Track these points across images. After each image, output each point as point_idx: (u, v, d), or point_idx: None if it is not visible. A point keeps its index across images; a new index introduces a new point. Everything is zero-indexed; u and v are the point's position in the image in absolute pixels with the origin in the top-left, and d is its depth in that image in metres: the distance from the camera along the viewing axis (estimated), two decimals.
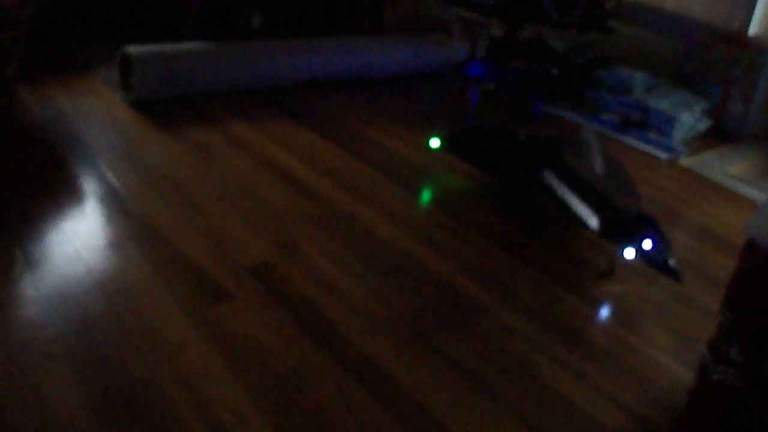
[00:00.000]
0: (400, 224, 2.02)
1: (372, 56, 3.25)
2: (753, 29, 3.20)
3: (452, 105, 3.08)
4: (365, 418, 1.33)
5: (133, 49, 2.62)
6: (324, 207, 2.06)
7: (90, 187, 2.02)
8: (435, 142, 2.40)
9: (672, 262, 1.82)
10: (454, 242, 1.96)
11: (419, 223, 2.03)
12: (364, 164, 2.38)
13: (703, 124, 3.09)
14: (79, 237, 1.77)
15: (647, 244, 1.82)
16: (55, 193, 1.97)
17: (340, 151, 2.46)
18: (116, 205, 1.94)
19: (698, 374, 1.26)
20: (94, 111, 2.54)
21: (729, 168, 2.78)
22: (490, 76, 3.09)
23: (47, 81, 2.73)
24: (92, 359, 1.39)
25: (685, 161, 2.80)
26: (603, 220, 1.87)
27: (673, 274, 1.81)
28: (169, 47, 2.73)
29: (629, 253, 1.84)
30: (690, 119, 2.99)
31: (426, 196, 2.17)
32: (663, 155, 2.80)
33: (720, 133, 3.13)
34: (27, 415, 1.24)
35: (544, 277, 1.85)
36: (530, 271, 1.87)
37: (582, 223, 1.93)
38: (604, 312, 1.74)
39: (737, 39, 3.15)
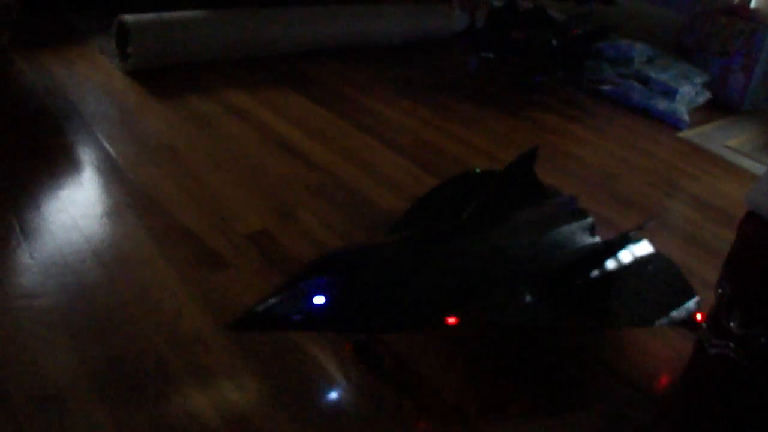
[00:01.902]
0: (399, 192, 2.01)
1: (371, 24, 3.22)
2: (755, 1, 3.18)
3: (451, 74, 3.05)
4: (365, 388, 1.33)
5: (129, 18, 2.59)
6: (322, 175, 2.05)
7: (87, 155, 2.01)
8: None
9: None
10: None
11: (417, 192, 2.02)
12: (362, 132, 2.36)
13: (703, 97, 3.07)
14: (75, 205, 1.76)
15: None
16: (51, 161, 1.95)
17: (338, 119, 2.45)
18: (113, 174, 1.93)
19: (695, 347, 1.26)
20: (90, 80, 2.52)
21: (728, 140, 2.77)
22: (490, 46, 3.06)
23: (43, 50, 2.70)
24: (90, 327, 1.38)
25: (685, 133, 2.79)
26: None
27: None
28: (166, 15, 2.70)
29: None
30: (690, 91, 2.98)
31: None
32: (662, 127, 2.79)
33: (720, 106, 3.12)
34: (25, 385, 1.24)
35: None
36: None
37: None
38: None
39: (739, 11, 3.13)
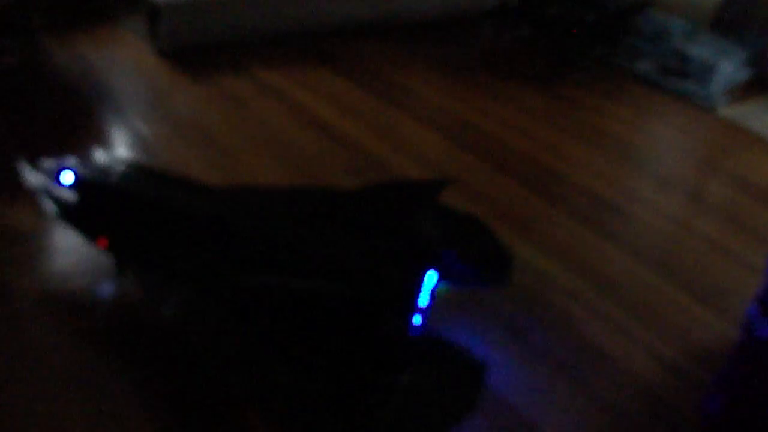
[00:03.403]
0: (433, 169, 1.98)
1: (405, 1, 3.18)
2: None
3: (485, 51, 3.01)
4: None
5: None
6: (355, 153, 2.03)
7: (119, 136, 2.00)
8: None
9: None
10: (490, 189, 1.92)
11: (454, 170, 1.99)
12: (397, 110, 2.33)
13: (743, 74, 2.99)
14: None
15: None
16: (83, 141, 1.95)
17: (372, 97, 2.42)
18: (145, 154, 1.92)
19: (744, 329, 1.22)
20: (121, 60, 2.51)
21: None
22: (524, 23, 3.01)
23: (75, 32, 2.69)
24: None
25: (725, 111, 2.72)
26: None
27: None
28: None
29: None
30: (730, 68, 2.90)
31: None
32: (701, 104, 2.73)
33: (761, 83, 3.04)
34: None
35: (579, 224, 1.81)
36: (568, 220, 1.84)
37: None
38: (641, 260, 1.70)
39: None
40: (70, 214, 1.43)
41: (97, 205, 1.43)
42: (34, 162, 1.47)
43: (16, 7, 2.48)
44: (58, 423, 1.16)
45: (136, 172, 1.47)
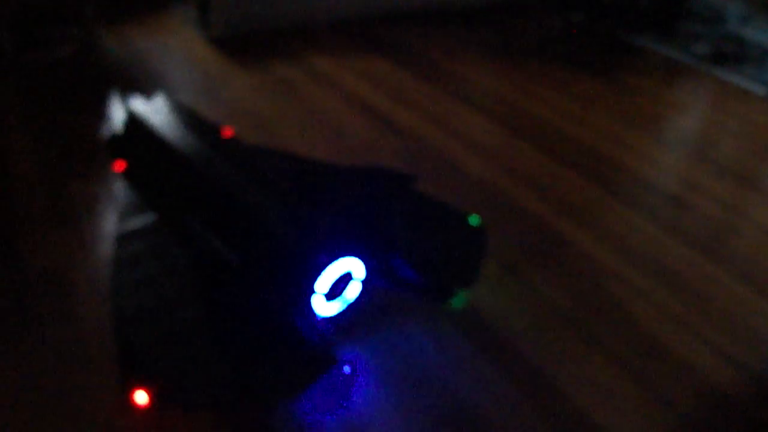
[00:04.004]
0: (490, 159, 1.96)
1: None
2: None
3: (538, 36, 2.97)
4: (451, 352, 1.30)
5: None
6: (410, 141, 2.01)
7: None
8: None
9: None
10: (546, 177, 1.89)
11: (509, 158, 1.97)
12: (449, 97, 2.31)
13: None
14: None
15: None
16: None
17: (424, 84, 2.40)
18: None
19: None
20: (172, 49, 2.53)
21: None
22: (578, 7, 2.97)
23: (126, 21, 2.72)
24: None
25: None
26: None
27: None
28: None
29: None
30: None
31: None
32: (759, 90, 2.66)
33: None
34: None
35: (636, 214, 1.78)
36: (626, 210, 1.80)
37: None
38: (699, 250, 1.67)
39: None
40: (114, 137, 1.67)
41: (128, 132, 1.65)
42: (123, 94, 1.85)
43: None
44: None
45: (176, 117, 1.64)
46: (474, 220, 1.53)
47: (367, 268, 1.30)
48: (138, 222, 1.46)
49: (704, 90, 2.66)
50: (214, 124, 1.68)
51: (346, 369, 1.25)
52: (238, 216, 1.34)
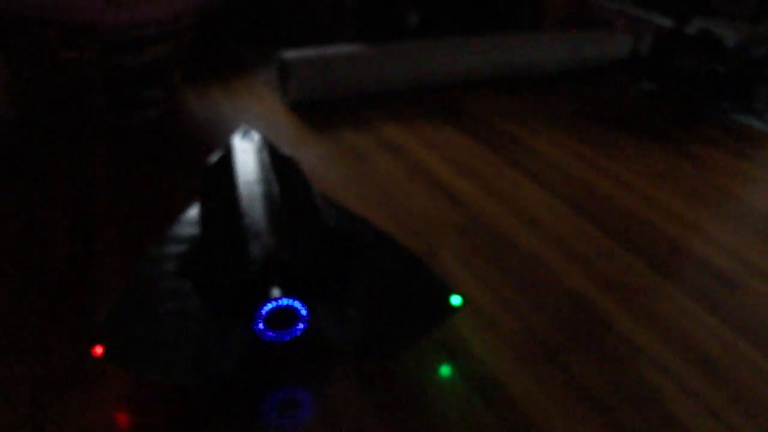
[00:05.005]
0: (545, 235, 1.97)
1: (530, 53, 3.19)
2: None
3: (610, 105, 2.97)
4: (475, 427, 1.32)
5: (290, 54, 2.71)
6: (469, 214, 2.05)
7: None
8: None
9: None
10: (601, 258, 1.89)
11: (566, 235, 1.98)
12: (513, 169, 2.34)
13: None
14: None
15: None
16: None
17: (490, 153, 2.44)
18: None
19: None
20: (253, 112, 2.65)
21: None
22: (653, 75, 2.95)
23: (209, 83, 2.87)
24: None
25: None
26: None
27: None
28: (325, 50, 2.80)
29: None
30: None
31: (445, 370, 1.46)
32: None
33: None
34: None
35: (688, 298, 1.75)
36: (676, 291, 1.78)
37: None
38: (751, 342, 1.62)
39: None
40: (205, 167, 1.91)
41: (217, 164, 1.87)
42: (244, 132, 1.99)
43: (162, 61, 2.67)
44: None
45: (254, 157, 1.82)
46: (455, 300, 1.51)
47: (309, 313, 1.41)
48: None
49: None
50: (293, 171, 1.85)
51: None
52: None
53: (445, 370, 1.45)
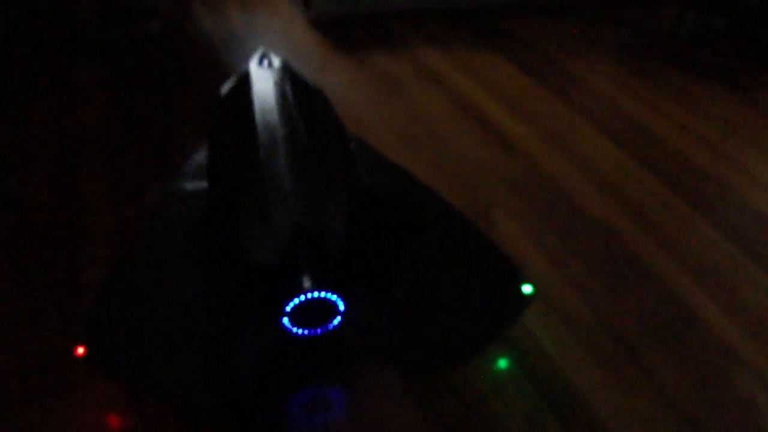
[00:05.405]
0: (614, 197, 1.69)
1: None
2: None
3: (673, 41, 2.65)
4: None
5: None
6: (523, 164, 1.77)
7: None
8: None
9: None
10: (682, 231, 1.62)
11: (637, 199, 1.70)
12: (570, 110, 2.04)
13: None
14: None
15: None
16: None
17: (543, 90, 2.14)
18: None
19: None
20: (271, 29, 2.33)
21: None
22: (720, 9, 2.63)
23: None
24: None
25: None
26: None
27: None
28: None
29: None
30: None
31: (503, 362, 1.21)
32: None
33: None
34: None
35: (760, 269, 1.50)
36: (747, 260, 1.52)
37: None
38: None
39: None
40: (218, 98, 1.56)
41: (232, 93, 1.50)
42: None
43: None
44: None
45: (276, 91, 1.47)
46: (527, 288, 1.26)
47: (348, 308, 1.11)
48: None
49: None
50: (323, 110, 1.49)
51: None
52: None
53: (502, 363, 1.20)
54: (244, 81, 1.52)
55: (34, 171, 1.56)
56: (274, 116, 1.36)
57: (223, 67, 2.05)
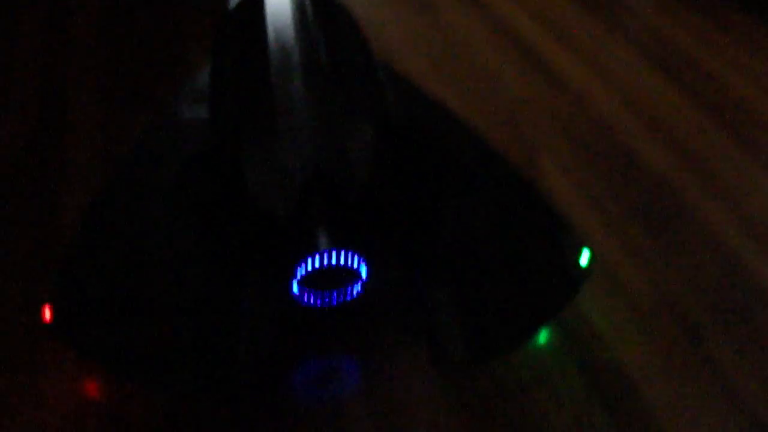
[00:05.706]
0: (673, 145, 1.49)
1: None
2: None
3: None
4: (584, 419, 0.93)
5: None
6: (571, 101, 1.56)
7: None
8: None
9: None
10: (747, 191, 1.43)
11: (699, 151, 1.50)
12: (616, 38, 1.82)
13: None
14: None
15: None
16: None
17: (593, 18, 1.90)
18: None
19: None
20: None
21: None
22: None
23: None
24: None
25: None
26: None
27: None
28: None
29: None
30: None
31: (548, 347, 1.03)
32: None
33: None
34: None
35: None
36: None
37: None
38: None
39: None
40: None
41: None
42: None
43: None
44: None
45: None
46: (584, 257, 1.06)
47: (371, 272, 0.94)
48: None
49: None
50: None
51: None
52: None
53: (547, 348, 1.03)
54: None
55: (14, 92, 1.37)
56: (289, 34, 1.16)
57: None
